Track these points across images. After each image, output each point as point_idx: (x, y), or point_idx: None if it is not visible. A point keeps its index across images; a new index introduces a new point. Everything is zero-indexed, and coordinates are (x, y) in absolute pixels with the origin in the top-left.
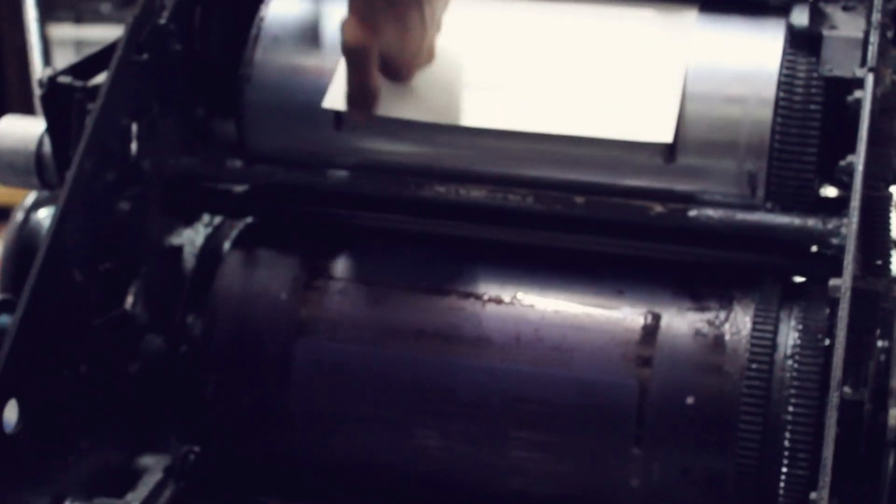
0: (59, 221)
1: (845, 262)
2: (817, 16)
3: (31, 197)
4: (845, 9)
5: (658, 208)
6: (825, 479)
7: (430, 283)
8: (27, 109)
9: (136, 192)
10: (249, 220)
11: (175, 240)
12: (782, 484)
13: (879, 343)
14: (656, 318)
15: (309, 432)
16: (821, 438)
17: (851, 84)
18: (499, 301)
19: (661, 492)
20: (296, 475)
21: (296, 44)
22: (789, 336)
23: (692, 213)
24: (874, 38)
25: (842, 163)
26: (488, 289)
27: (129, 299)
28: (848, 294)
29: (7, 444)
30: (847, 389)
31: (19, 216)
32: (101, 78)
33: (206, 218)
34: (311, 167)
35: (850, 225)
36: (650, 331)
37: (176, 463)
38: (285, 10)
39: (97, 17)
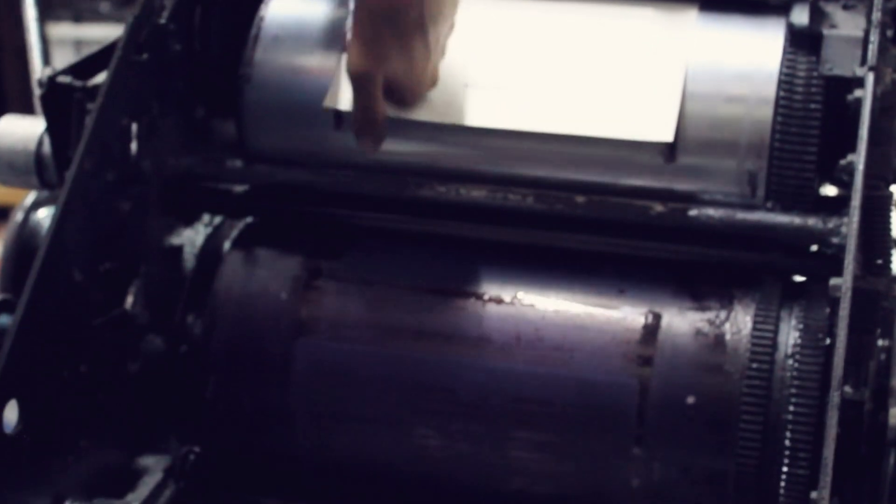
0: (59, 221)
1: (846, 262)
2: (817, 15)
3: (30, 197)
4: (845, 8)
5: (658, 208)
6: (826, 478)
7: (431, 283)
8: (26, 109)
9: (136, 191)
10: (249, 219)
11: (175, 240)
12: (783, 483)
13: (880, 342)
14: (657, 317)
15: (309, 432)
16: (821, 438)
17: (852, 83)
18: (499, 301)
19: (661, 491)
20: (296, 475)
21: (296, 43)
22: (790, 335)
23: (693, 212)
24: (874, 37)
25: (842, 162)
26: (489, 288)
27: (129, 299)
28: (849, 294)
29: (7, 444)
30: (848, 389)
31: (19, 216)
32: (100, 78)
33: (206, 218)
34: (311, 167)
35: (851, 224)
36: (651, 330)
37: (176, 463)
38: (285, 10)
39: (96, 16)
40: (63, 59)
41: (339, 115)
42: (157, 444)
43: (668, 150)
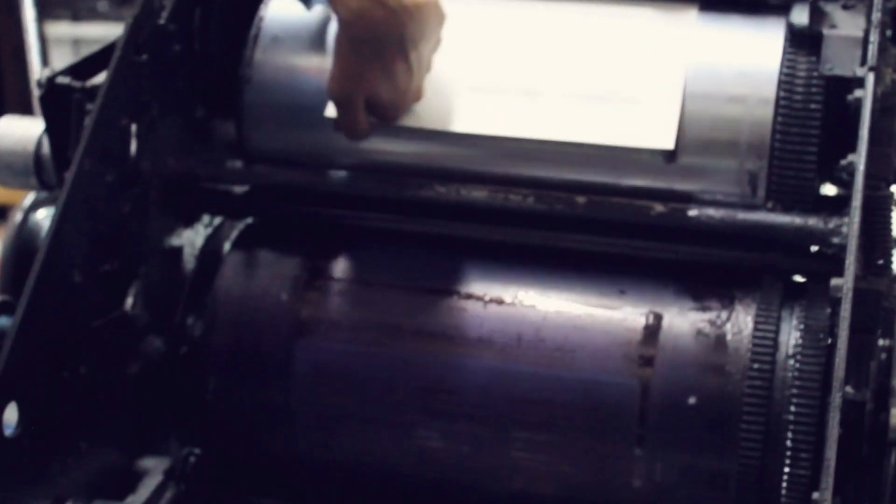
0: (59, 223)
1: (847, 262)
2: (817, 15)
3: (29, 197)
4: (845, 7)
5: (659, 208)
6: (828, 479)
7: (431, 284)
8: (25, 108)
9: (136, 192)
10: (249, 220)
11: (175, 241)
12: (784, 484)
13: (880, 342)
14: (658, 318)
15: (310, 434)
16: (822, 438)
17: (852, 83)
18: (500, 301)
19: (663, 492)
20: (296, 477)
21: (295, 44)
22: (791, 336)
23: (693, 212)
24: (874, 37)
25: (842, 162)
26: (490, 289)
27: (129, 300)
28: (850, 294)
29: (7, 446)
30: (849, 389)
31: (18, 217)
32: (99, 78)
33: (205, 219)
34: (311, 167)
35: (852, 224)
36: (652, 331)
37: (176, 465)
38: (285, 11)
39: (94, 15)
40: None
41: (339, 130)
42: (158, 445)
43: (669, 151)
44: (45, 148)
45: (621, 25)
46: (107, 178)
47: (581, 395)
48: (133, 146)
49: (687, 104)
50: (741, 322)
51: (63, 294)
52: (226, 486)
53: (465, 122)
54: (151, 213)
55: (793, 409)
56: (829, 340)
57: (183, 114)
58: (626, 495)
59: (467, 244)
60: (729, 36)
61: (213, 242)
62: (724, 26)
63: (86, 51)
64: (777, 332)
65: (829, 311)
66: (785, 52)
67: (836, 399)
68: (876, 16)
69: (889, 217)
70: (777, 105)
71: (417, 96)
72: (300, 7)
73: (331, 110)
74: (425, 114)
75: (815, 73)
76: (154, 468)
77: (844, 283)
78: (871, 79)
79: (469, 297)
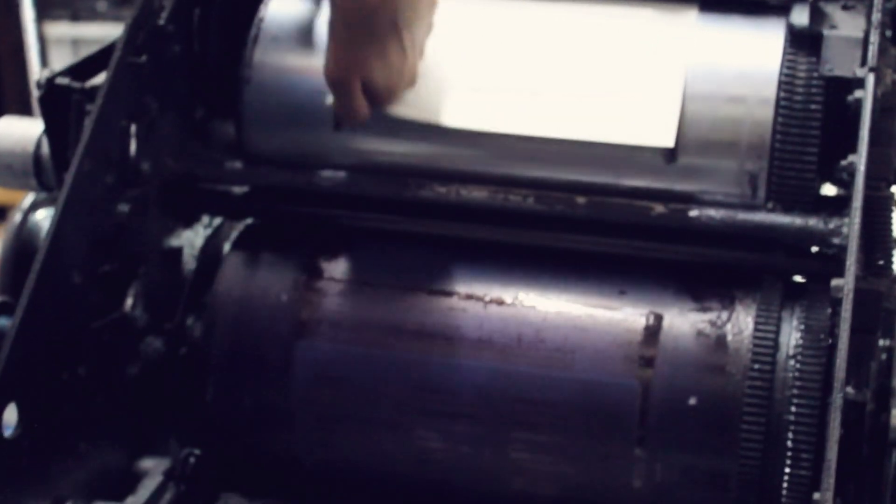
0: (58, 224)
1: (847, 263)
2: (817, 15)
3: (29, 198)
4: (845, 8)
5: (659, 208)
6: (829, 480)
7: (431, 285)
8: (24, 109)
9: (136, 193)
10: (249, 221)
11: (174, 241)
12: (785, 484)
13: (881, 342)
14: (658, 318)
15: (309, 434)
16: (823, 438)
17: (852, 83)
18: (500, 302)
19: (663, 492)
20: (296, 477)
21: (295, 44)
22: (791, 336)
23: (693, 213)
24: (874, 38)
25: (843, 162)
26: (489, 290)
27: (129, 301)
28: (850, 294)
29: (6, 447)
30: (850, 390)
31: (17, 217)
32: (99, 79)
33: (205, 219)
34: (310, 168)
35: (852, 225)
36: (652, 331)
37: (176, 466)
38: (284, 11)
39: (94, 15)
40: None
41: (338, 115)
42: (157, 446)
43: (669, 151)
44: (45, 149)
45: (621, 25)
46: (106, 178)
47: (581, 395)
48: (132, 147)
49: (687, 104)
50: (742, 322)
51: (62, 295)
52: (225, 487)
53: (463, 117)
54: (151, 213)
55: (793, 409)
56: (830, 341)
57: (182, 114)
58: (626, 496)
59: (467, 245)
60: (729, 36)
61: (212, 243)
62: (724, 27)
63: (85, 51)
64: (777, 332)
65: (829, 311)
66: (785, 53)
67: (837, 399)
68: (876, 16)
69: (889, 217)
70: (777, 106)
71: (411, 81)
72: (300, 7)
73: (332, 99)
74: (423, 107)
75: (816, 74)
76: (154, 469)
77: (845, 284)
78: (871, 79)
79: (469, 297)
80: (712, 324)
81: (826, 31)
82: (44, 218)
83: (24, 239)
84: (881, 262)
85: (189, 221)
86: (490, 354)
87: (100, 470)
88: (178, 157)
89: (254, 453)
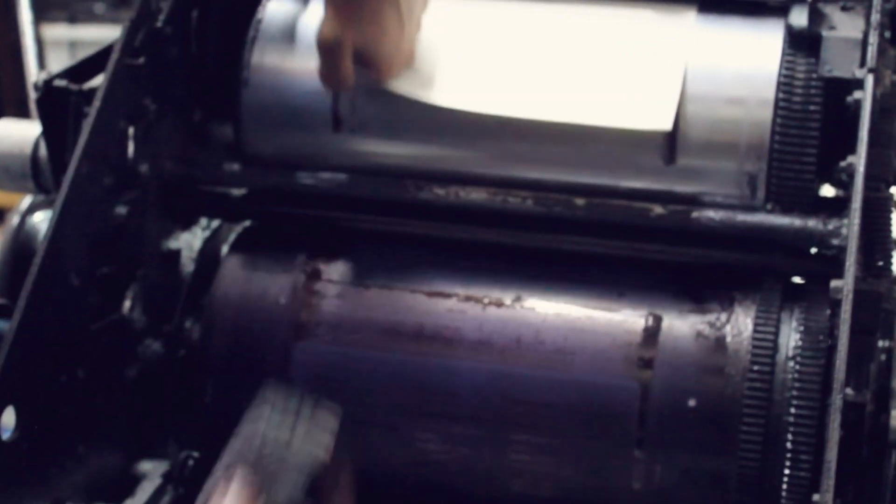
0: (56, 226)
1: (847, 264)
2: (816, 16)
3: (26, 200)
4: (844, 9)
5: (658, 210)
6: (829, 481)
7: (431, 286)
8: (22, 111)
9: (134, 195)
10: (248, 223)
11: (173, 244)
12: (784, 486)
13: (880, 343)
14: (657, 320)
15: None
16: (823, 440)
17: (851, 85)
18: (499, 304)
19: (663, 494)
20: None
21: (293, 46)
22: (791, 337)
23: (692, 214)
24: (873, 39)
25: (842, 164)
26: (489, 291)
27: (127, 304)
28: (850, 296)
29: (5, 450)
30: (849, 391)
31: (15, 220)
32: (97, 81)
33: (203, 221)
34: (309, 170)
35: (852, 226)
36: (651, 333)
37: (175, 468)
38: (282, 13)
39: (91, 17)
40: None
41: (336, 117)
42: (156, 448)
43: (668, 152)
44: (42, 151)
45: (620, 24)
46: (104, 181)
47: (581, 397)
48: (130, 149)
49: (686, 105)
50: (741, 324)
51: (61, 297)
52: None
53: (460, 98)
54: (149, 216)
55: (793, 410)
56: (829, 342)
57: (180, 116)
58: (625, 497)
59: (466, 246)
60: (728, 37)
61: (211, 245)
62: (722, 28)
63: (82, 53)
64: (777, 333)
65: (828, 312)
66: (784, 54)
67: (836, 401)
68: (875, 17)
69: (889, 218)
70: (776, 107)
71: (410, 55)
72: (298, 9)
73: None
74: (420, 84)
75: (815, 75)
76: (152, 472)
77: (844, 285)
78: (870, 80)
79: (468, 299)
80: (711, 325)
81: (825, 32)
82: (41, 220)
83: (21, 241)
84: (880, 264)
85: (187, 223)
86: (489, 356)
87: (98, 472)
88: (176, 159)
89: None
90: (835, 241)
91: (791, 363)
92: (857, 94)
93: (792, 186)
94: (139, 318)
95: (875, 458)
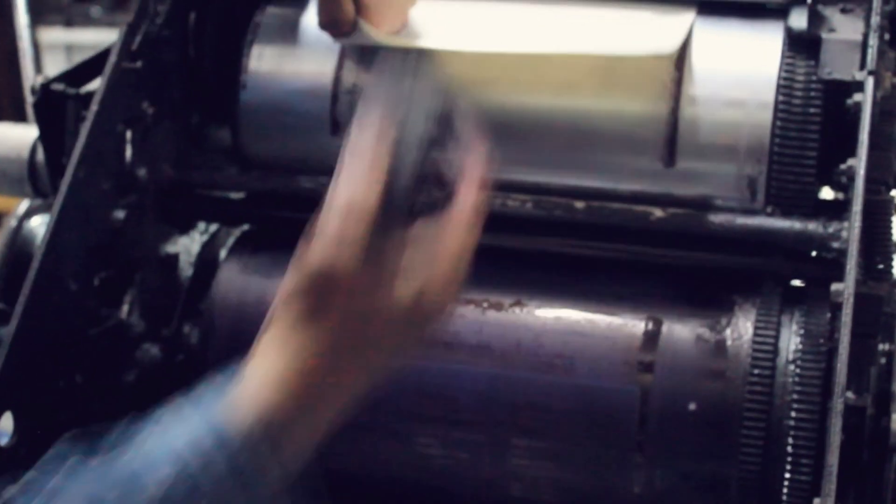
0: (54, 230)
1: (848, 267)
2: (816, 18)
3: (24, 205)
4: (844, 11)
5: (658, 213)
6: (830, 486)
7: None
8: (19, 114)
9: (131, 200)
10: (246, 227)
11: (171, 248)
12: (785, 490)
13: (881, 347)
14: (657, 323)
15: None
16: (823, 444)
17: (851, 87)
18: (499, 307)
19: (663, 498)
20: (294, 484)
21: (291, 50)
22: (791, 341)
23: (692, 217)
24: (873, 41)
25: (842, 166)
26: (488, 295)
27: (125, 308)
28: (850, 299)
29: (2, 455)
30: (850, 395)
31: (12, 224)
32: (94, 85)
33: (201, 225)
34: (307, 173)
35: (852, 229)
36: (651, 336)
37: None
38: (280, 16)
39: (87, 21)
40: (54, 64)
41: (335, 120)
42: None
43: (668, 155)
44: (40, 155)
45: (618, 22)
46: (102, 185)
47: (581, 401)
48: (128, 153)
49: (685, 108)
50: (741, 327)
51: (58, 302)
52: None
53: (456, 38)
54: (147, 220)
55: (793, 414)
56: (830, 345)
57: (178, 120)
58: (626, 502)
59: None
60: (727, 40)
61: (209, 249)
62: (722, 30)
63: (79, 57)
64: (777, 337)
65: (829, 316)
66: (783, 57)
67: (837, 404)
68: (875, 20)
69: (889, 221)
70: (776, 109)
71: (405, 8)
72: (295, 13)
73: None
74: (415, 34)
75: (814, 78)
76: None
77: (845, 288)
78: (870, 83)
79: (468, 302)
80: (712, 329)
81: (825, 35)
82: (39, 225)
83: (19, 246)
84: (881, 267)
85: (185, 228)
86: (489, 360)
87: None
88: (174, 163)
89: None
90: (835, 245)
91: (791, 367)
92: (857, 97)
93: (792, 189)
94: (137, 322)
95: (876, 462)
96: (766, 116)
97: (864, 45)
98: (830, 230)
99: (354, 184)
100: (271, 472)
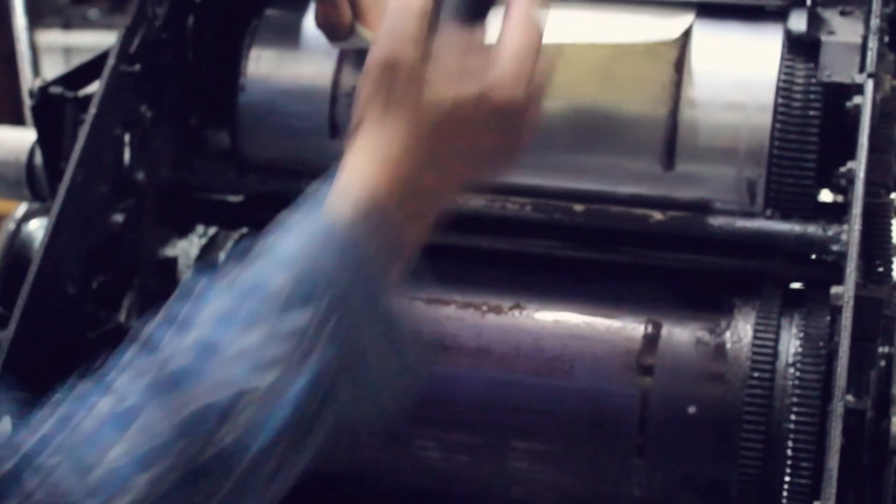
0: (52, 234)
1: (847, 270)
2: (815, 21)
3: (22, 208)
4: (843, 14)
5: (657, 216)
6: (830, 489)
7: (429, 293)
8: (17, 117)
9: (130, 203)
10: (245, 230)
11: (169, 251)
12: (785, 493)
13: (880, 350)
14: (657, 326)
15: None
16: (823, 447)
17: (850, 90)
18: (498, 310)
19: (663, 501)
20: (294, 487)
21: (290, 53)
22: (791, 344)
23: (692, 220)
24: (873, 44)
25: (842, 169)
26: (487, 298)
27: (124, 312)
28: (850, 302)
29: None
30: (850, 398)
31: (10, 227)
32: (92, 88)
33: (200, 229)
34: (306, 176)
35: (852, 232)
36: (651, 339)
37: None
38: (279, 19)
39: (85, 24)
40: (52, 66)
41: (333, 123)
42: None
43: (667, 158)
44: (38, 158)
45: (617, 21)
46: (100, 188)
47: (580, 404)
48: (127, 156)
49: (685, 111)
50: (741, 330)
51: (57, 306)
52: None
53: None
54: (145, 223)
55: (793, 417)
56: (829, 348)
57: (177, 123)
58: None
59: (465, 253)
60: (726, 42)
61: (208, 253)
62: (721, 33)
63: (77, 59)
64: (777, 340)
65: (828, 319)
66: (783, 59)
67: (837, 408)
68: (874, 22)
69: (889, 224)
70: (775, 112)
71: None
72: (294, 15)
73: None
74: None
75: (814, 80)
76: None
77: (845, 291)
78: (870, 85)
79: (467, 305)
80: (711, 332)
81: (824, 37)
82: (37, 228)
83: (17, 249)
84: (881, 269)
85: (184, 231)
86: (488, 363)
87: None
88: (172, 166)
89: None
90: (835, 247)
91: (791, 370)
92: (856, 100)
93: (791, 192)
94: (136, 326)
95: (876, 465)
96: (766, 119)
97: (864, 48)
98: (830, 233)
99: None
100: (384, 262)
